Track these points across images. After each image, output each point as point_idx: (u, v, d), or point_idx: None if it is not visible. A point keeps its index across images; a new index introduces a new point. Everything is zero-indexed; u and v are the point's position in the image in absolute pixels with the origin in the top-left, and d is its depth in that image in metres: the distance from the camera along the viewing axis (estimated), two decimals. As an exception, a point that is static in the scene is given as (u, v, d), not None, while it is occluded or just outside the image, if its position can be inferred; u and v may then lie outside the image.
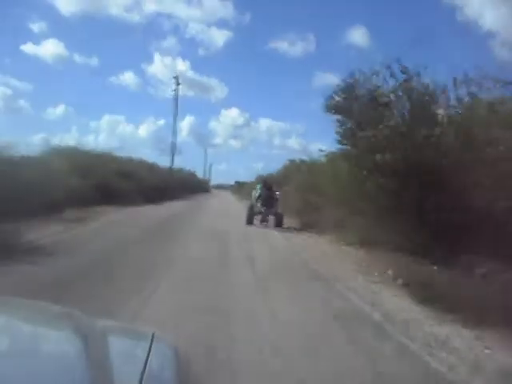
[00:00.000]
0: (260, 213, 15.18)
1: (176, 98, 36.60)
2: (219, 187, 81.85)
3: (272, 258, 8.59)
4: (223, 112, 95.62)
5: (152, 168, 34.45)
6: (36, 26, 72.39)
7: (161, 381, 0.97)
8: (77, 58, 71.33)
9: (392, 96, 7.67)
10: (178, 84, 35.63)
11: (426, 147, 6.89)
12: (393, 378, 3.48)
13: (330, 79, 73.39)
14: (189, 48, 76.40)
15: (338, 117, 8.48)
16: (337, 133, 8.81)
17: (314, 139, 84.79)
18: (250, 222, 15.02)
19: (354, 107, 8.13)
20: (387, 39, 55.07)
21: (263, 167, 77.86)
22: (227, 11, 78.18)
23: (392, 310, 5.34)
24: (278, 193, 16.21)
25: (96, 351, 0.97)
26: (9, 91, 62.02)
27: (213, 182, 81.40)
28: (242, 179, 58.77)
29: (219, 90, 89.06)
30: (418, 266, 6.81)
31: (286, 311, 4.99)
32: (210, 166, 77.33)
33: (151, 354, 0.98)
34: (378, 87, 7.83)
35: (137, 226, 11.76)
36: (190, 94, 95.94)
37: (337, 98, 8.40)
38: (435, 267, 6.68)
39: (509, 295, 4.82)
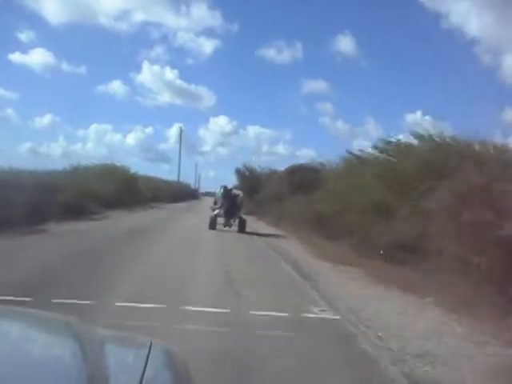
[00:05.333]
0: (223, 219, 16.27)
1: (179, 146, 58.33)
2: (207, 194, 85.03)
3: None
4: (212, 120, 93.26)
5: (163, 182, 57.35)
6: (24, 36, 71.08)
7: None
8: (65, 66, 71.34)
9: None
10: (180, 136, 57.85)
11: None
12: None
13: (317, 86, 73.96)
14: (177, 57, 75.85)
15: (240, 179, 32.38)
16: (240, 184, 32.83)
17: (301, 145, 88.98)
18: (212, 227, 15.37)
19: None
20: (373, 46, 59.77)
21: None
22: (215, 20, 77.67)
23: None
24: (239, 193, 18.11)
25: (94, 360, 0.97)
26: (-4, 100, 60.80)
27: (202, 190, 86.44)
28: (228, 186, 72.48)
29: (208, 98, 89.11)
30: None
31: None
32: (199, 176, 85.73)
33: (149, 362, 1.00)
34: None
35: (180, 207, 35.37)
36: (179, 102, 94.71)
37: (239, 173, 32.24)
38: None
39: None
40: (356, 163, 13.45)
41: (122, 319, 4.37)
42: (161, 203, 38.07)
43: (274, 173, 30.51)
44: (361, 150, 13.68)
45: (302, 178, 21.93)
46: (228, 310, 5.22)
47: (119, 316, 4.54)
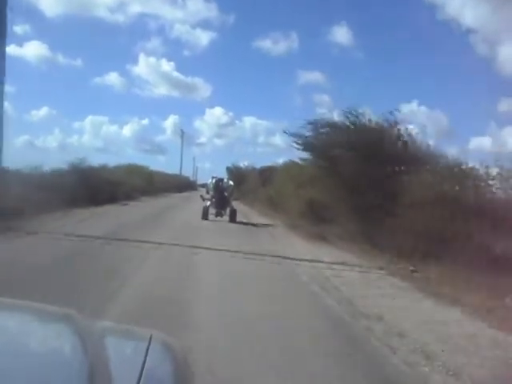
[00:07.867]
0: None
1: (181, 145, 69.64)
2: (204, 186, 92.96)
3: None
4: (208, 111, 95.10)
5: (168, 175, 68.96)
6: (20, 28, 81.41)
7: (158, 381, 1.00)
8: (61, 59, 72.97)
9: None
10: (182, 137, 68.96)
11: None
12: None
13: (313, 77, 76.00)
14: (174, 48, 76.35)
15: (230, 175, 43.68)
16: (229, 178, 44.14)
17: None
18: (205, 217, 17.35)
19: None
20: (369, 37, 60.61)
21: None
22: (211, 12, 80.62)
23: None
24: (231, 183, 20.18)
25: (94, 352, 0.99)
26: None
27: (199, 181, 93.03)
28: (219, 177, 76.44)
29: (204, 90, 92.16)
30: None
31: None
32: (196, 168, 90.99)
33: (149, 354, 1.02)
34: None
35: (185, 196, 47.08)
36: (175, 94, 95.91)
37: (229, 170, 43.54)
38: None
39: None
40: (285, 169, 25.06)
41: (187, 222, 16.26)
42: (169, 193, 49.27)
43: (254, 170, 42.03)
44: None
45: (269, 176, 33.53)
46: (217, 221, 17.18)
47: (183, 220, 16.48)
